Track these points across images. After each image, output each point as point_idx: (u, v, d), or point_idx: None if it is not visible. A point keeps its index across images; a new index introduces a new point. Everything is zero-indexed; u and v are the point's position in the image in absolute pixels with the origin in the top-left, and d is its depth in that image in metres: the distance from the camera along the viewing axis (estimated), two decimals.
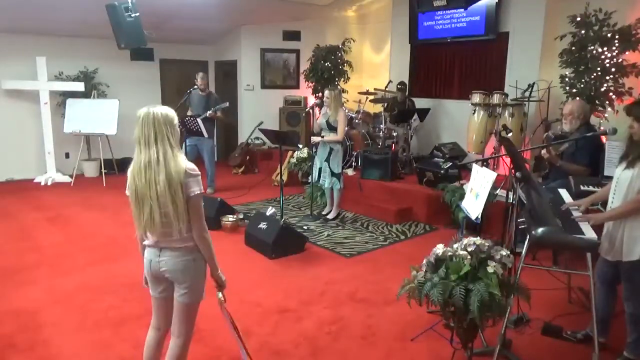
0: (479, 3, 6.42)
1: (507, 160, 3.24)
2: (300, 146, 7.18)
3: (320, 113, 5.62)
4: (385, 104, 7.21)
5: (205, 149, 6.70)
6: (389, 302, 3.60)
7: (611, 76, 5.10)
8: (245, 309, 3.50)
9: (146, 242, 2.20)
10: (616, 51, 5.04)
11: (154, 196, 2.02)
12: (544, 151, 3.86)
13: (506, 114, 6.10)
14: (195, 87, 6.59)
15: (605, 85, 5.13)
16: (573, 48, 5.28)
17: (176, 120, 2.13)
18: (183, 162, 2.08)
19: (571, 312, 3.45)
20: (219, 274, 2.28)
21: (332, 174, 5.45)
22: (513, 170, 2.91)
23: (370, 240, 5.10)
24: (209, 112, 6.48)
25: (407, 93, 7.56)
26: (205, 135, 6.16)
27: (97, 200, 6.48)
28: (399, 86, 7.38)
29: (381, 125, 7.06)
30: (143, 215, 2.05)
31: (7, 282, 3.88)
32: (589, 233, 2.58)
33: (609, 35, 5.04)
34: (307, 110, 7.34)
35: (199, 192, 2.10)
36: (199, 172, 2.13)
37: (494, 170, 5.56)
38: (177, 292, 2.21)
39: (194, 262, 2.18)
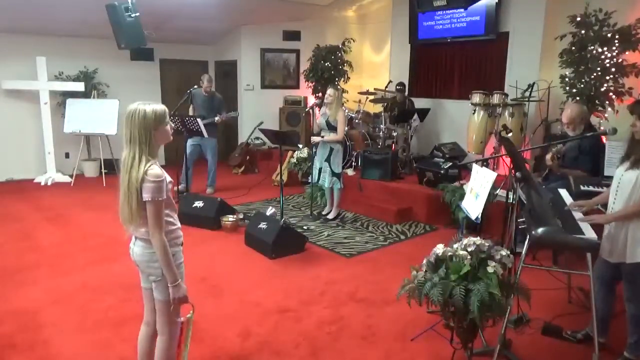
0: (479, 3, 6.42)
1: (507, 160, 3.24)
2: (300, 146, 7.19)
3: (319, 113, 5.62)
4: (385, 104, 7.21)
5: (209, 149, 6.73)
6: (389, 302, 3.60)
7: (611, 76, 5.09)
8: (245, 309, 3.50)
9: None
10: (616, 51, 5.04)
11: (121, 194, 2.13)
12: (547, 159, 3.81)
13: (506, 114, 6.09)
14: (196, 87, 6.59)
15: (605, 85, 5.12)
16: (573, 48, 5.27)
17: (161, 120, 2.13)
18: (145, 168, 2.07)
19: (571, 312, 3.45)
20: (177, 284, 2.16)
21: (333, 173, 5.45)
22: (513, 170, 2.91)
23: (370, 240, 5.10)
24: (216, 118, 6.52)
25: (406, 93, 7.56)
26: (205, 135, 6.17)
27: (97, 200, 6.48)
28: (397, 87, 7.37)
29: (381, 125, 7.06)
30: (120, 206, 2.17)
31: (7, 282, 3.88)
32: (589, 233, 2.58)
33: (609, 35, 5.03)
34: (307, 110, 7.34)
35: (148, 198, 2.07)
36: (162, 179, 2.10)
37: (494, 170, 5.56)
38: (152, 286, 2.25)
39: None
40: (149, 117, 2.09)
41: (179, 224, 2.29)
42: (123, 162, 2.13)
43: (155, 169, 2.10)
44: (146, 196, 2.08)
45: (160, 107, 2.16)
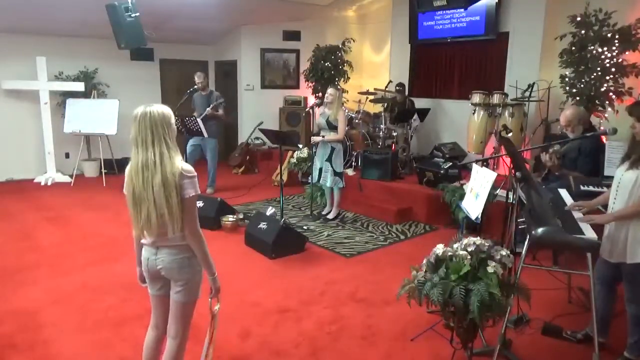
0: (479, 3, 6.42)
1: (507, 160, 3.24)
2: (300, 146, 7.19)
3: (319, 112, 5.62)
4: (385, 104, 7.22)
5: (209, 149, 6.72)
6: (389, 302, 3.60)
7: (611, 76, 5.09)
8: (245, 309, 3.50)
9: (144, 241, 2.20)
10: (616, 51, 5.04)
11: (151, 198, 2.02)
12: (546, 159, 3.80)
13: (506, 114, 6.09)
14: (196, 87, 6.59)
15: (605, 85, 5.12)
16: (573, 48, 5.27)
17: (173, 119, 2.11)
18: (179, 164, 2.05)
19: (571, 312, 3.45)
20: (214, 277, 2.23)
21: (335, 173, 5.45)
22: (513, 170, 2.91)
23: (370, 240, 5.10)
24: (207, 110, 6.49)
25: (406, 93, 7.56)
26: (205, 135, 6.17)
27: (97, 200, 6.48)
28: (397, 87, 7.38)
29: (381, 125, 7.06)
30: (140, 216, 2.06)
31: (7, 282, 3.88)
32: (589, 233, 2.57)
33: (609, 35, 5.03)
34: (307, 110, 7.35)
35: (193, 194, 2.06)
36: (195, 174, 2.10)
37: (494, 170, 5.56)
38: (173, 290, 2.21)
39: (189, 260, 2.17)
40: (167, 114, 2.07)
41: None
42: (144, 165, 2.01)
43: (186, 164, 2.09)
44: (191, 192, 2.04)
45: (166, 107, 2.12)
